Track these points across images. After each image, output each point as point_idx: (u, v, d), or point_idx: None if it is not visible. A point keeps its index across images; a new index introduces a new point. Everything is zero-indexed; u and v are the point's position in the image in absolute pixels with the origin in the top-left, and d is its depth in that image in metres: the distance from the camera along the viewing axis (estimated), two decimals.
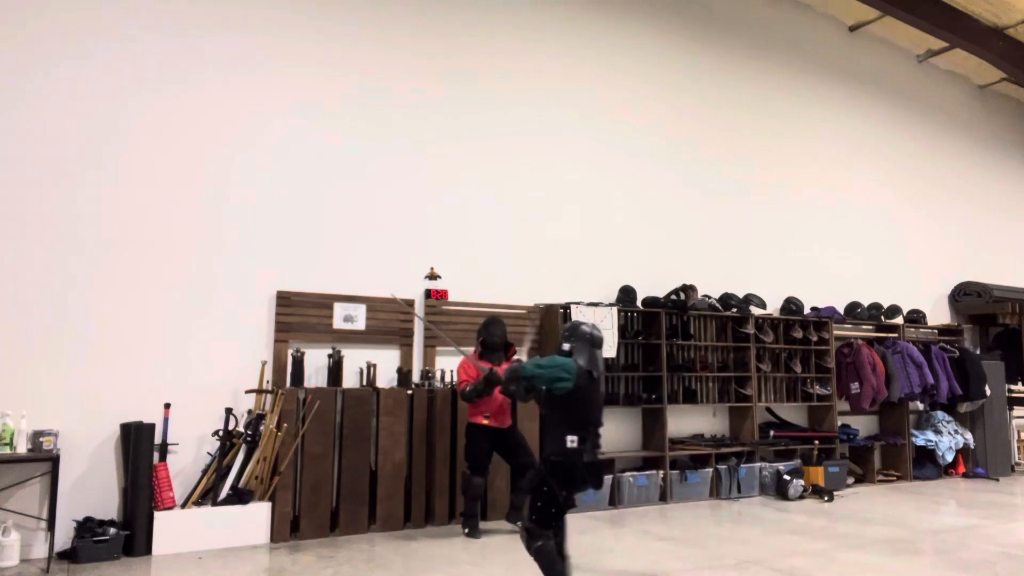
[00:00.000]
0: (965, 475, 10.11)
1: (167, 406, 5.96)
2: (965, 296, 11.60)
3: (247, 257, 6.53)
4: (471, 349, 6.49)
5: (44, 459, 5.29)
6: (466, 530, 6.16)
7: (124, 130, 6.17)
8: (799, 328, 9.23)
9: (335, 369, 6.60)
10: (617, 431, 8.17)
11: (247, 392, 6.29)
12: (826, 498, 8.08)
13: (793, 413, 9.50)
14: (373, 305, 7.00)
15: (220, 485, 5.88)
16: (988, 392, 10.22)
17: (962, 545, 6.06)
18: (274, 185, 6.74)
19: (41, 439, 5.32)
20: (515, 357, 6.59)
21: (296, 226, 6.79)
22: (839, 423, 9.46)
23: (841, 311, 9.91)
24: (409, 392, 6.72)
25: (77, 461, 5.67)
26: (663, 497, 7.82)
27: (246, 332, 6.45)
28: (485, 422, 6.23)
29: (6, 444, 5.21)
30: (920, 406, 10.34)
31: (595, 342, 4.50)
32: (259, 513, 5.90)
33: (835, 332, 9.62)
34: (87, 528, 5.40)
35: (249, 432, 6.08)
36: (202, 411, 6.12)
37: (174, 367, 6.11)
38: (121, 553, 5.43)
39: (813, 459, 8.66)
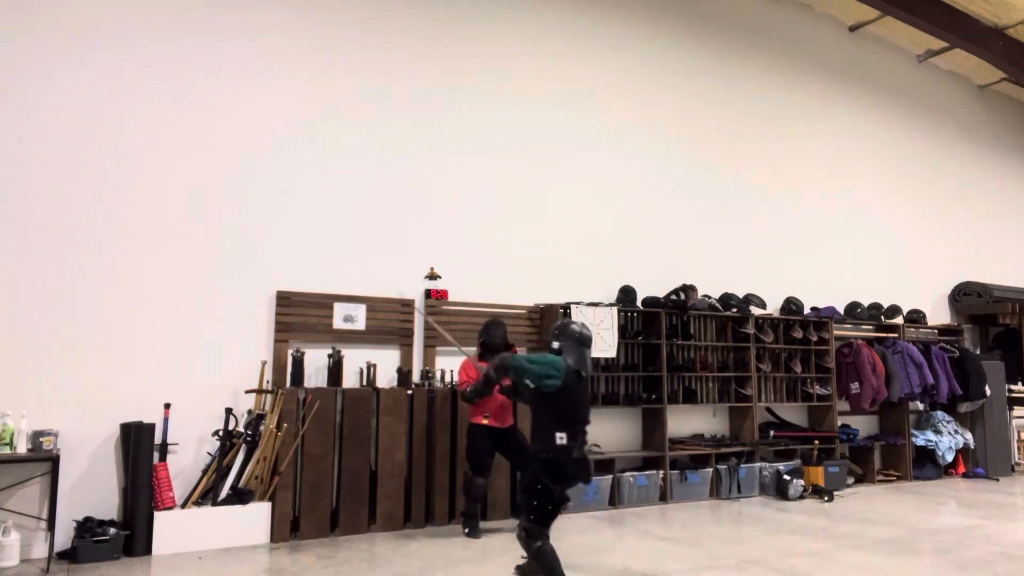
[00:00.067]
0: (965, 475, 10.11)
1: (167, 406, 5.96)
2: (965, 296, 11.60)
3: (247, 257, 6.53)
4: (473, 349, 6.50)
5: (44, 459, 5.28)
6: (466, 530, 6.16)
7: (124, 131, 6.17)
8: (799, 328, 9.23)
9: (335, 369, 6.60)
10: (617, 431, 8.17)
11: (247, 392, 6.30)
12: (826, 498, 8.08)
13: (793, 413, 9.50)
14: (373, 305, 7.00)
15: (220, 485, 5.88)
16: (988, 392, 10.22)
17: (962, 545, 6.06)
18: (274, 185, 6.74)
19: (41, 439, 5.32)
20: None
21: (296, 226, 6.79)
22: (839, 423, 9.46)
23: (841, 311, 9.91)
24: (409, 392, 6.72)
25: (77, 461, 5.67)
26: (663, 497, 7.82)
27: (246, 332, 6.45)
28: (485, 422, 6.24)
29: (6, 444, 5.21)
30: (920, 406, 10.34)
31: (584, 341, 4.53)
32: (259, 513, 5.90)
33: (835, 332, 9.62)
34: (87, 528, 5.40)
35: (249, 432, 6.08)
36: (202, 411, 6.12)
37: (174, 367, 6.11)
38: (121, 553, 5.43)
39: (813, 459, 8.66)
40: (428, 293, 7.31)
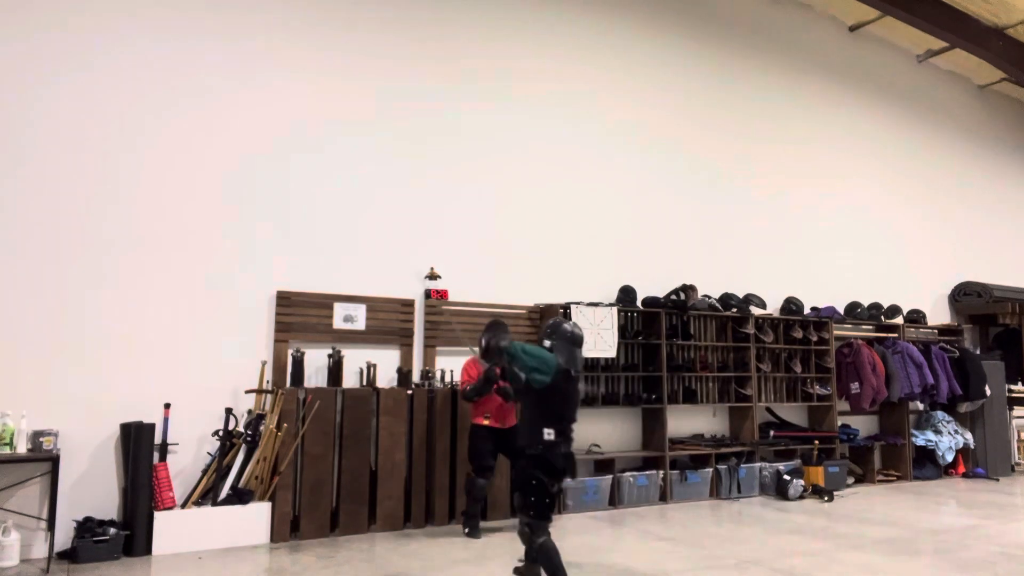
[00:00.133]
0: (965, 475, 10.11)
1: (167, 406, 5.96)
2: (965, 296, 11.60)
3: (247, 257, 6.53)
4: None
5: (44, 459, 5.29)
6: (467, 530, 6.16)
7: (125, 132, 6.17)
8: (799, 328, 9.23)
9: (335, 369, 6.60)
10: (617, 431, 8.18)
11: (247, 392, 6.30)
12: (826, 498, 8.08)
13: (793, 413, 9.50)
14: (373, 305, 7.00)
15: (220, 485, 5.88)
16: (988, 392, 10.22)
17: (962, 545, 6.06)
18: (274, 185, 6.74)
19: (41, 439, 5.32)
20: None
21: (296, 226, 6.79)
22: (839, 423, 9.46)
23: (841, 311, 9.91)
24: (409, 392, 6.72)
25: (77, 461, 5.67)
26: (663, 497, 7.82)
27: (246, 332, 6.45)
28: (486, 422, 6.25)
29: (6, 444, 5.21)
30: (920, 406, 10.34)
31: (576, 341, 4.61)
32: (259, 513, 5.90)
33: (835, 332, 9.62)
34: (87, 528, 5.40)
35: (249, 432, 6.08)
36: (202, 411, 6.12)
37: (174, 367, 6.11)
38: (121, 553, 5.43)
39: (813, 459, 8.66)
40: (428, 293, 7.31)
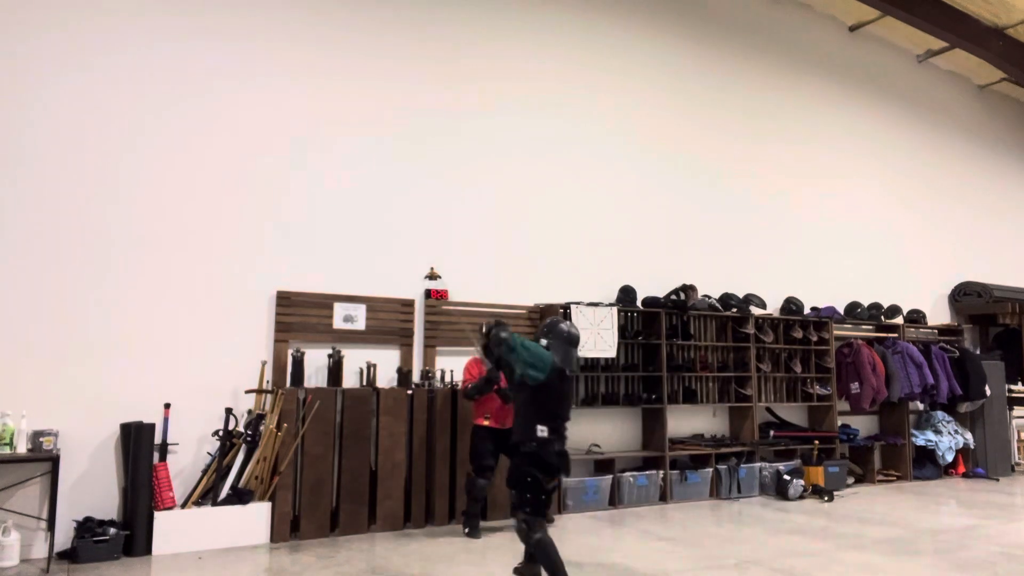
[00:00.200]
0: (965, 475, 10.11)
1: (167, 406, 5.96)
2: (965, 296, 11.60)
3: (247, 257, 6.53)
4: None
5: (44, 459, 5.28)
6: (467, 530, 6.16)
7: (125, 133, 6.17)
8: (799, 328, 9.23)
9: (335, 369, 6.60)
10: (617, 431, 8.18)
11: (247, 392, 6.30)
12: (826, 498, 8.08)
13: (793, 413, 9.50)
14: (373, 305, 7.01)
15: (220, 485, 5.88)
16: (988, 392, 10.22)
17: (962, 545, 6.06)
18: (274, 185, 6.74)
19: (41, 439, 5.32)
20: None
21: (296, 226, 6.79)
22: (839, 423, 9.46)
23: (841, 311, 9.91)
24: (409, 392, 6.72)
25: (77, 461, 5.67)
26: (663, 497, 7.82)
27: (246, 332, 6.44)
28: (486, 423, 6.26)
29: (6, 444, 5.21)
30: (920, 406, 10.34)
31: (572, 341, 4.70)
32: (259, 513, 5.90)
33: (835, 332, 9.62)
34: (87, 528, 5.40)
35: (249, 432, 6.08)
36: (202, 411, 6.12)
37: (174, 367, 6.11)
38: (121, 553, 5.43)
39: (813, 459, 8.66)
40: (428, 293, 7.31)
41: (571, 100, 8.53)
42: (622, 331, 8.02)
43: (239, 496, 5.87)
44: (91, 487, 5.71)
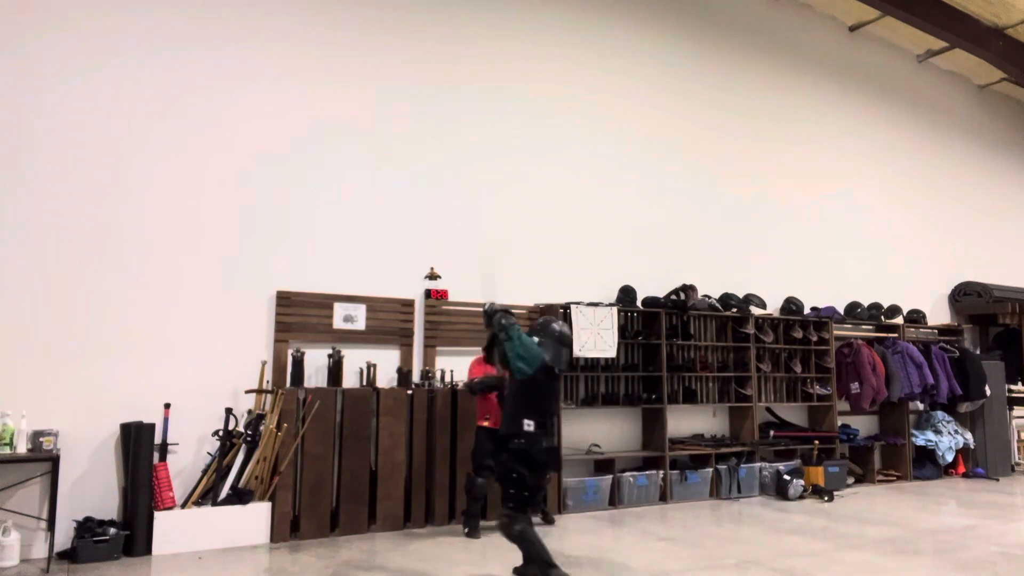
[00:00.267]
0: (965, 475, 10.11)
1: (167, 406, 5.96)
2: (965, 296, 11.60)
3: (247, 257, 6.53)
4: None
5: (44, 459, 5.29)
6: (466, 530, 6.16)
7: (129, 135, 6.17)
8: (799, 328, 9.23)
9: (335, 369, 6.60)
10: (617, 431, 8.18)
11: (247, 392, 6.30)
12: (826, 498, 8.08)
13: (793, 413, 9.50)
14: (373, 305, 7.00)
15: (220, 485, 5.88)
16: (988, 392, 10.22)
17: (962, 545, 6.06)
18: (274, 186, 6.74)
19: (41, 439, 5.32)
20: None
21: (296, 226, 6.79)
22: (839, 423, 9.46)
23: (841, 311, 9.91)
24: (409, 392, 6.72)
25: (77, 461, 5.67)
26: (663, 497, 7.82)
27: (246, 332, 6.45)
28: (486, 424, 6.27)
29: (6, 444, 5.21)
30: (920, 406, 10.34)
31: (563, 341, 4.83)
32: (259, 513, 5.90)
33: (835, 332, 9.62)
34: (87, 528, 5.40)
35: (249, 432, 6.08)
36: (202, 411, 6.12)
37: (174, 367, 6.11)
38: (121, 553, 5.43)
39: (813, 459, 8.66)
40: (428, 293, 7.31)
41: (571, 100, 8.52)
42: (622, 331, 8.02)
43: (239, 496, 5.87)
44: (91, 487, 5.71)
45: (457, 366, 7.19)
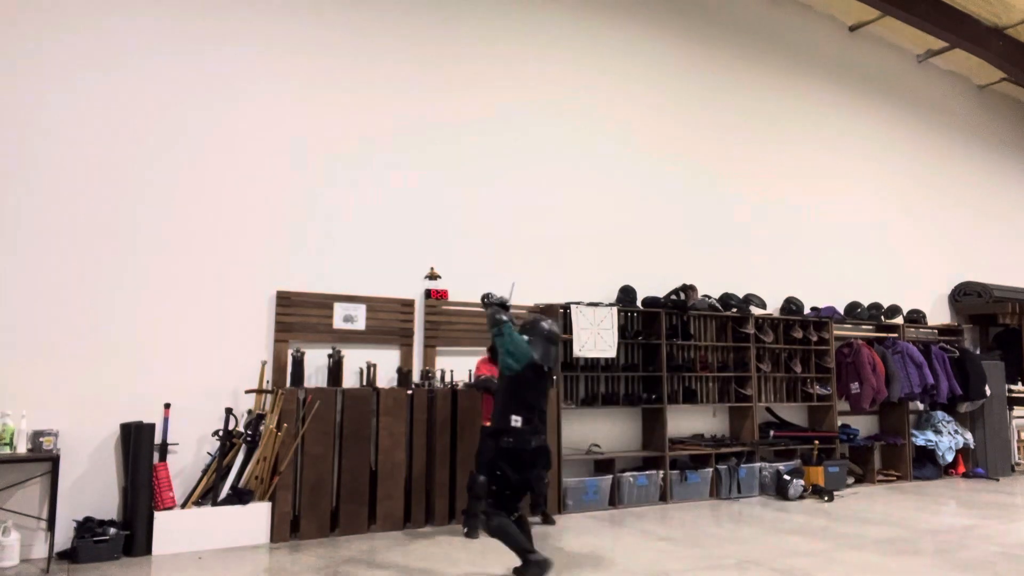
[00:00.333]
0: (965, 475, 10.11)
1: (167, 406, 5.96)
2: (965, 296, 11.60)
3: (247, 257, 6.53)
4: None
5: (44, 459, 5.29)
6: (466, 529, 6.16)
7: (128, 135, 6.17)
8: (799, 328, 9.23)
9: (335, 369, 6.60)
10: (617, 431, 8.18)
11: (247, 392, 6.30)
12: (826, 498, 8.08)
13: (793, 413, 9.50)
14: (373, 305, 7.00)
15: (220, 485, 5.88)
16: (988, 392, 10.22)
17: (962, 545, 6.06)
18: (274, 185, 6.74)
19: (41, 439, 5.32)
20: None
21: (296, 226, 6.79)
22: (839, 423, 9.46)
23: (841, 311, 9.91)
24: (409, 392, 6.72)
25: (77, 461, 5.67)
26: (663, 497, 7.82)
27: (246, 332, 6.44)
28: (489, 424, 6.26)
29: (6, 444, 5.21)
30: (920, 406, 10.34)
31: (551, 339, 4.98)
32: (259, 513, 5.90)
33: (835, 332, 9.62)
34: (87, 528, 5.40)
35: (249, 432, 6.08)
36: (202, 411, 6.12)
37: (174, 367, 6.11)
38: (121, 553, 5.42)
39: (813, 459, 8.66)
40: (428, 293, 7.31)
41: (571, 101, 8.52)
42: (622, 331, 8.02)
43: (239, 496, 5.87)
44: (91, 487, 5.71)
45: (457, 366, 7.20)
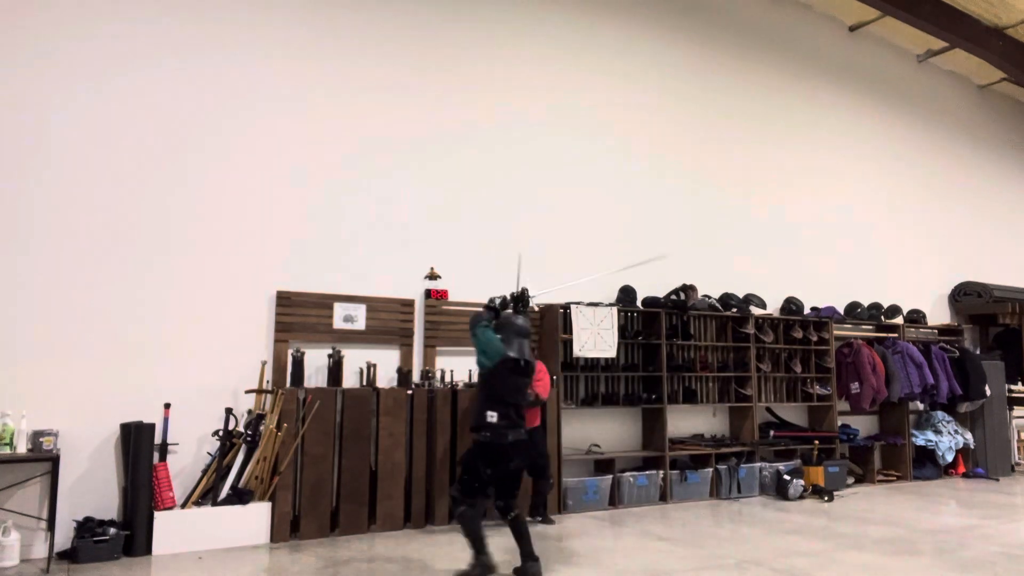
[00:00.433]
0: (965, 475, 10.11)
1: (167, 406, 5.96)
2: (965, 296, 11.60)
3: (247, 257, 6.53)
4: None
5: (44, 459, 5.28)
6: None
7: (125, 136, 6.17)
8: (799, 328, 9.23)
9: (335, 369, 6.60)
10: (617, 431, 8.17)
11: (247, 392, 6.30)
12: (826, 498, 8.08)
13: (793, 413, 9.50)
14: (373, 305, 7.00)
15: (220, 485, 5.88)
16: (988, 392, 10.22)
17: (962, 545, 6.06)
18: (274, 185, 6.74)
19: (41, 439, 5.32)
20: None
21: (296, 226, 6.79)
22: (839, 423, 9.45)
23: (841, 311, 9.91)
24: (409, 392, 6.72)
25: (77, 461, 5.67)
26: (663, 497, 7.82)
27: (246, 332, 6.44)
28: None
29: (6, 444, 5.21)
30: (920, 406, 10.34)
31: (521, 333, 5.14)
32: (259, 513, 5.90)
33: (835, 332, 9.61)
34: (87, 528, 5.40)
35: (249, 432, 6.08)
36: (202, 411, 6.12)
37: (174, 367, 6.11)
38: (121, 553, 5.42)
39: (813, 459, 8.65)
40: (428, 293, 7.31)
41: (571, 102, 8.52)
42: (622, 331, 8.02)
43: (239, 496, 5.87)
44: (91, 487, 5.70)
45: (457, 366, 7.20)
